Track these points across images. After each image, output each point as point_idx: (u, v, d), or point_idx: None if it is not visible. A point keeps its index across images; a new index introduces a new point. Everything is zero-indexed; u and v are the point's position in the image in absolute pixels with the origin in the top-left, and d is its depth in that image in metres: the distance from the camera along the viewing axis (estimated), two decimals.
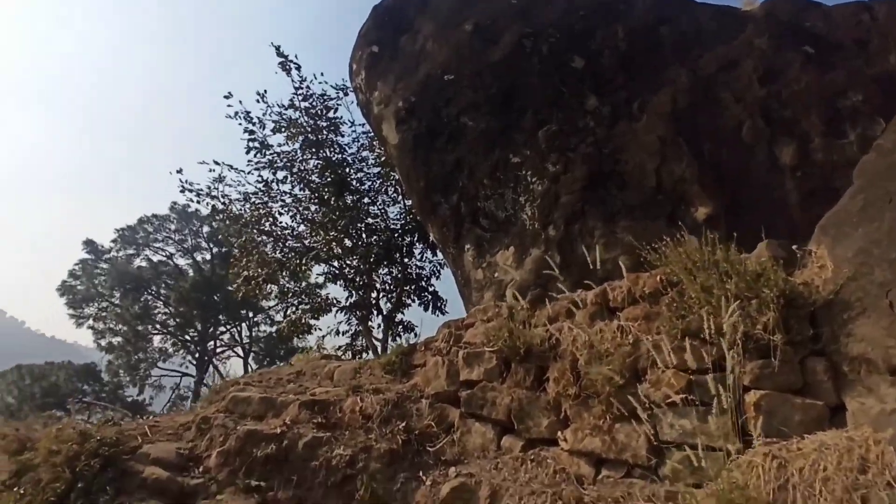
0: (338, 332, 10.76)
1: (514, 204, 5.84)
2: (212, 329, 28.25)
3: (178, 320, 27.79)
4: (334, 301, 11.34)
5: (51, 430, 4.28)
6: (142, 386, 27.88)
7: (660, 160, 5.33)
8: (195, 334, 28.15)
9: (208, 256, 28.60)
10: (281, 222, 10.69)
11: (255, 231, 10.40)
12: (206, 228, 28.15)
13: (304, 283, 12.13)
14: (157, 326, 28.14)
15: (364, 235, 10.46)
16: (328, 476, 3.93)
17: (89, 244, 26.92)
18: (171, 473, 4.09)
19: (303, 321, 11.35)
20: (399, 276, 10.95)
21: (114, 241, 27.32)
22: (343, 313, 10.93)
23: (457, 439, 4.16)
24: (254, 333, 29.56)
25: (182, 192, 9.90)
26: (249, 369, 29.12)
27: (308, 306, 11.22)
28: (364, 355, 11.01)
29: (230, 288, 11.80)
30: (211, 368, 28.69)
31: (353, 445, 4.09)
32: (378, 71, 7.32)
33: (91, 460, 3.99)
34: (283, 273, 10.83)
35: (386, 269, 11.38)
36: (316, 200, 10.18)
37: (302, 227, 10.79)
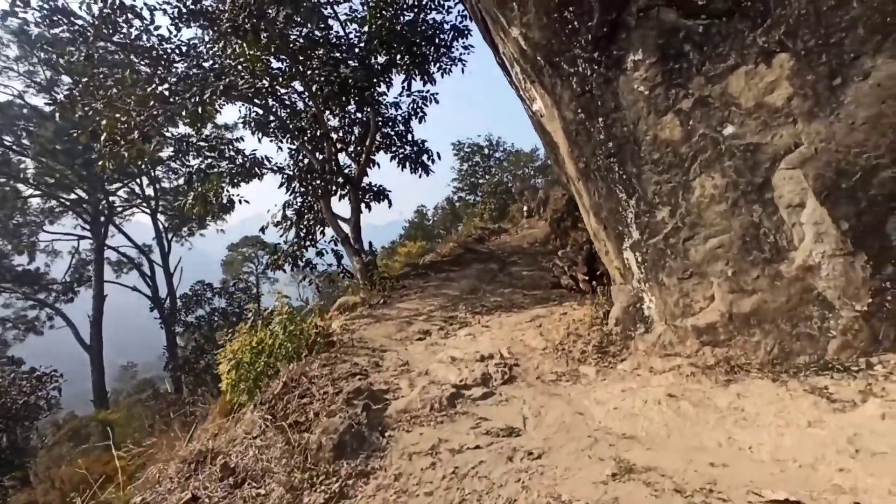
0: (284, 217, 7.10)
1: None
2: (99, 184, 22.72)
3: (56, 177, 21.94)
4: (264, 160, 7.48)
5: None
6: (31, 253, 23.56)
7: None
8: (82, 192, 22.74)
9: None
10: (158, 28, 6.15)
11: (112, 46, 5.87)
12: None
13: (207, 131, 7.97)
14: (31, 184, 22.25)
15: (314, 53, 6.32)
16: None
17: None
18: None
19: (217, 193, 7.46)
20: (367, 119, 7.14)
21: None
22: (281, 178, 7.21)
23: None
24: (157, 187, 24.66)
25: None
26: (161, 228, 24.67)
27: (227, 169, 7.29)
28: (311, 245, 7.57)
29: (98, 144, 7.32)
30: (112, 229, 24.28)
31: None
32: None
33: None
34: (176, 118, 6.66)
35: (341, 110, 7.48)
36: None
37: (197, 37, 6.37)
